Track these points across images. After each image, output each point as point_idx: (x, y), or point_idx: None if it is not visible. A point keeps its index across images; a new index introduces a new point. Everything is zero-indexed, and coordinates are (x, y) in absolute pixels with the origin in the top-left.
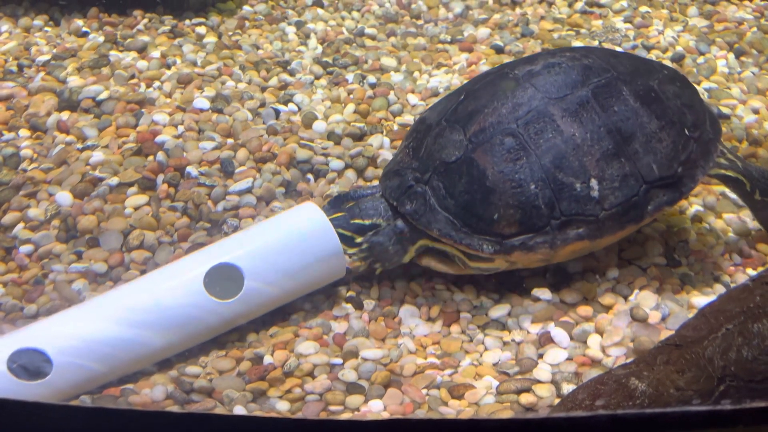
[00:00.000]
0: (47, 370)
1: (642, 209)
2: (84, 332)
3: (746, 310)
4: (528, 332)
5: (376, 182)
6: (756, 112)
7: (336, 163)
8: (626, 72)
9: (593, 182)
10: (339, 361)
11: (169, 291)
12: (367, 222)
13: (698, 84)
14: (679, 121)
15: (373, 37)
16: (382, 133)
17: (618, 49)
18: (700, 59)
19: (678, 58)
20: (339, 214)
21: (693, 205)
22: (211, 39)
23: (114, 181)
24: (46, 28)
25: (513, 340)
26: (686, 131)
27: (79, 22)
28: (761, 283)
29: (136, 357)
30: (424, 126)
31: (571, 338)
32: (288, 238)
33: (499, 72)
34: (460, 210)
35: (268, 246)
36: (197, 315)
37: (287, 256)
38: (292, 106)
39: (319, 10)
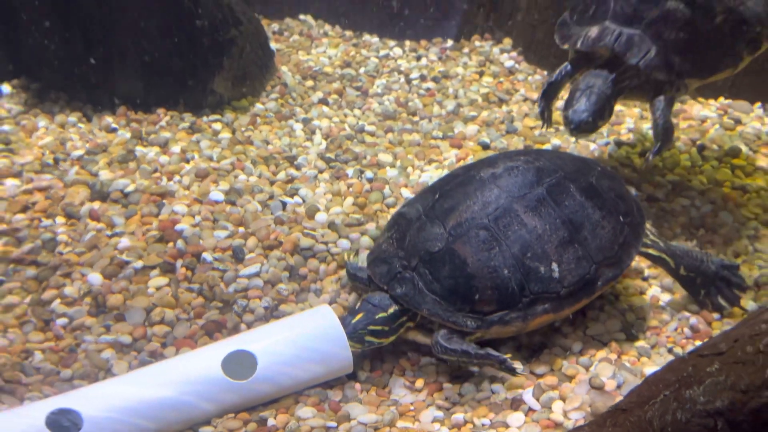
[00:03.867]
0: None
1: (593, 285)
2: (119, 399)
3: (681, 379)
4: (502, 398)
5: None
6: (713, 202)
7: (335, 250)
8: (571, 171)
9: (554, 265)
10: (333, 424)
11: (192, 369)
12: (390, 312)
13: (663, 176)
14: (615, 210)
15: (372, 133)
16: (376, 223)
17: (592, 145)
18: (667, 154)
19: (645, 153)
20: (360, 316)
21: (652, 286)
22: (225, 134)
23: (139, 264)
24: (79, 124)
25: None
26: (621, 218)
27: (109, 119)
28: (695, 355)
29: (164, 422)
30: (404, 220)
31: (539, 403)
32: (301, 338)
33: (465, 174)
34: (445, 292)
35: (282, 341)
36: (214, 392)
37: (299, 352)
38: (297, 199)
39: (324, 108)
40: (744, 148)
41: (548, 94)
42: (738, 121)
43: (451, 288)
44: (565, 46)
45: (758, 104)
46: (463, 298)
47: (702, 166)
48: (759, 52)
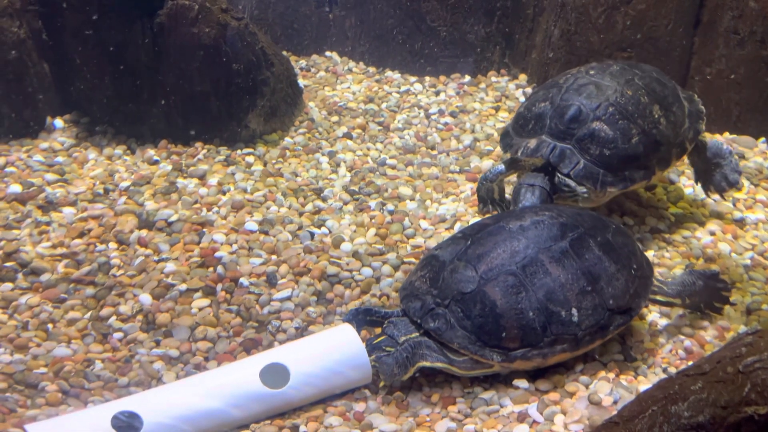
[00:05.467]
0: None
1: (606, 329)
2: (173, 403)
3: (668, 396)
4: (509, 411)
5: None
6: (713, 234)
7: (359, 277)
8: (590, 227)
9: (574, 311)
10: (358, 431)
11: (234, 380)
12: (412, 336)
13: (667, 209)
14: (627, 264)
15: (393, 167)
16: (396, 253)
17: None
18: (671, 188)
19: (651, 188)
20: (383, 337)
21: (651, 312)
22: (258, 167)
23: (183, 287)
24: (125, 157)
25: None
26: (632, 271)
27: (151, 151)
28: (681, 375)
29: (211, 425)
30: (437, 262)
31: (542, 417)
32: (327, 350)
33: (495, 224)
34: (475, 329)
35: (310, 354)
36: (252, 398)
37: (324, 363)
38: (324, 230)
39: (349, 142)
40: (746, 182)
41: (483, 189)
42: (742, 156)
43: (481, 325)
44: (508, 155)
45: (762, 139)
46: (490, 335)
47: (704, 199)
48: (668, 170)
